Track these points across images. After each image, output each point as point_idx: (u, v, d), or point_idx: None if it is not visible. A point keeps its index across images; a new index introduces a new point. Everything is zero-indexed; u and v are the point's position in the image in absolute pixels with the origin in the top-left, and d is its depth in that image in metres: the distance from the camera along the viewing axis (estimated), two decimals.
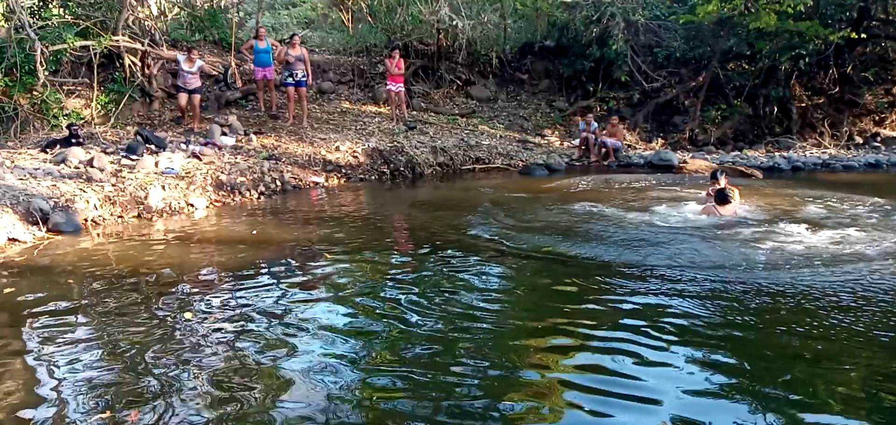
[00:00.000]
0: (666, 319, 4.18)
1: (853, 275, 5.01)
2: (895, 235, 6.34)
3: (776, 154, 14.01)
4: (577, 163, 13.28)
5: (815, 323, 4.06)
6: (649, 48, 16.38)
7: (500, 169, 12.48)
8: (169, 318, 4.33)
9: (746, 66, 16.46)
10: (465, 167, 12.45)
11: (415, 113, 14.81)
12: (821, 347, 3.73)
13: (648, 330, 3.98)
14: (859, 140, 15.33)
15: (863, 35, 14.48)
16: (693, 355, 3.64)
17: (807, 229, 6.62)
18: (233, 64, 13.50)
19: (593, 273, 5.32)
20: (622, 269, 5.35)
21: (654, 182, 10.83)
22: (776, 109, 15.68)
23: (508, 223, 7.39)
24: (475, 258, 5.89)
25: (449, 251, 6.17)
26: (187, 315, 4.38)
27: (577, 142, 14.25)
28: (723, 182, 7.92)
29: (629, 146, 14.64)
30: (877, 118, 16.07)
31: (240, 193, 9.18)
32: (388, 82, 13.83)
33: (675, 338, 3.88)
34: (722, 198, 7.38)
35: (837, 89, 15.80)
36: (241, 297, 4.75)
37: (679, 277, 5.07)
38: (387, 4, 16.42)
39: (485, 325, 4.18)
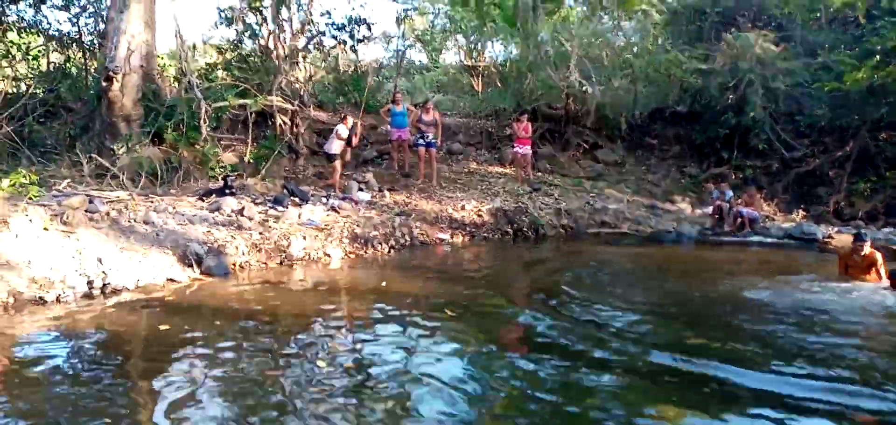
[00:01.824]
0: None
1: None
2: None
3: None
4: (710, 232, 12.79)
5: None
6: (790, 115, 15.61)
7: (626, 234, 12.28)
8: (301, 362, 4.70)
9: None
10: (589, 230, 12.38)
11: (540, 175, 14.97)
12: None
13: None
14: None
15: None
16: None
17: None
18: (359, 122, 14.34)
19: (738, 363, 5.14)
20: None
21: (806, 257, 10.14)
22: None
23: (637, 293, 7.28)
24: (596, 323, 5.88)
25: (567, 314, 6.20)
26: (320, 363, 4.73)
27: (709, 209, 13.75)
28: (867, 247, 7.36)
29: (767, 217, 13.92)
30: None
31: (372, 246, 9.68)
32: (515, 145, 14.14)
33: None
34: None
35: None
36: (369, 346, 5.05)
37: None
38: (517, 70, 16.87)
39: (601, 397, 4.18)
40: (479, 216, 11.82)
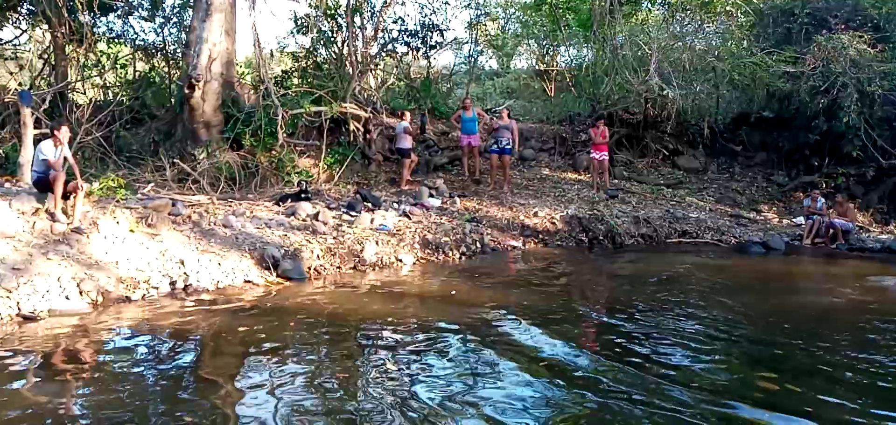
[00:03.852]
0: None
1: None
2: None
3: None
4: (799, 244, 12.06)
5: None
6: (887, 121, 14.58)
7: (709, 244, 11.74)
8: (371, 365, 4.62)
9: None
10: (669, 240, 11.90)
11: (616, 181, 14.54)
12: None
13: None
14: None
15: None
16: None
17: None
18: (427, 116, 14.44)
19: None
20: None
21: None
22: None
23: (722, 301, 6.89)
24: (670, 337, 5.56)
25: (642, 325, 5.90)
26: (390, 365, 4.64)
27: (800, 220, 12.99)
28: None
29: (861, 228, 13.03)
30: None
31: (443, 252, 9.59)
32: (591, 151, 13.78)
33: None
34: None
35: None
36: (438, 354, 4.93)
37: None
38: (592, 74, 16.47)
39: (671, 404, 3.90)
40: (553, 223, 11.55)
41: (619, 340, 5.40)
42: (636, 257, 10.46)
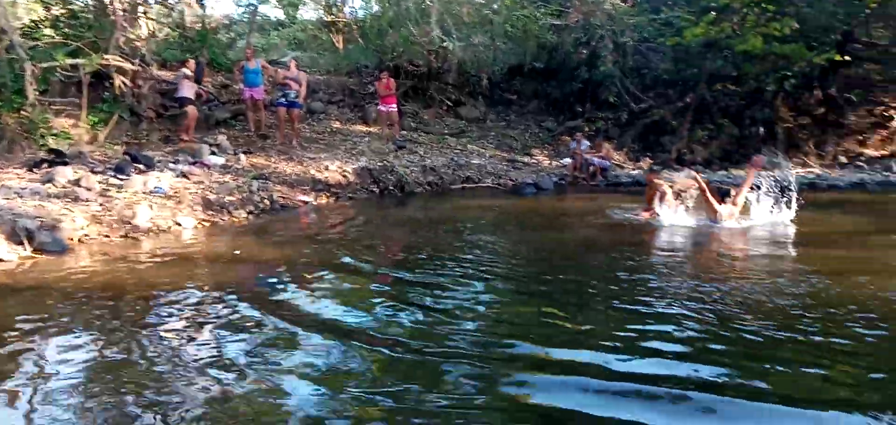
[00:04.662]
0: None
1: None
2: None
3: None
4: (566, 183, 13.37)
5: None
6: (637, 70, 16.55)
7: (489, 187, 12.53)
8: (148, 340, 4.30)
9: (733, 88, 16.64)
10: (454, 186, 12.50)
11: (405, 132, 14.88)
12: None
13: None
14: (844, 160, 15.50)
15: (846, 57, 14.71)
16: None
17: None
18: (204, 65, 13.58)
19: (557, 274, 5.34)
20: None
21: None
22: (762, 130, 15.84)
23: (499, 240, 7.41)
24: (461, 275, 5.90)
25: (433, 269, 6.19)
26: (168, 336, 4.36)
27: (567, 161, 14.35)
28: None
29: (617, 165, 14.75)
30: (860, 139, 16.25)
31: (228, 213, 9.16)
32: (378, 103, 13.92)
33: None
34: None
35: (822, 110, 16.00)
36: (222, 319, 4.74)
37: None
38: (378, 26, 16.54)
39: (469, 343, 4.17)
40: (344, 176, 11.56)
41: (410, 291, 5.55)
42: (424, 204, 10.87)
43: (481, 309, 5.01)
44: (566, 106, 17.10)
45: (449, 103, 16.80)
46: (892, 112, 16.21)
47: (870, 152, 15.90)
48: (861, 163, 15.13)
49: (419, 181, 12.13)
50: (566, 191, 12.59)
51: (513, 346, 4.01)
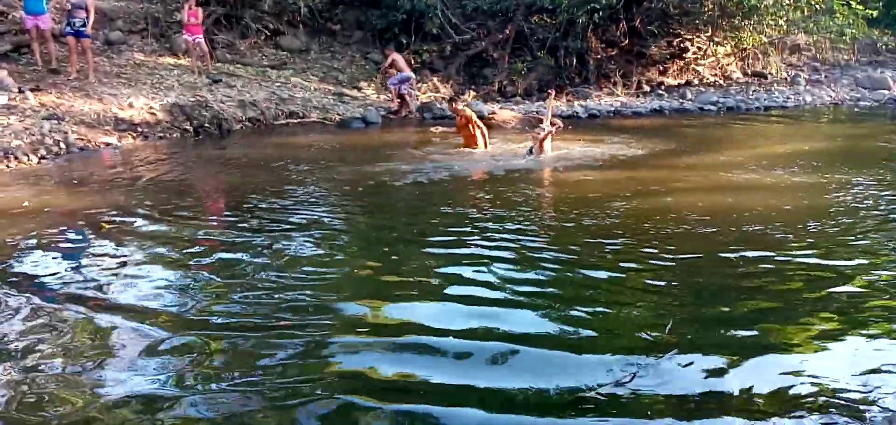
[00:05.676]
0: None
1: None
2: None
3: (575, 103, 15.03)
4: (393, 116, 13.27)
5: None
6: (459, 1, 16.66)
7: (316, 122, 12.10)
8: None
9: (548, 20, 17.33)
10: (278, 122, 11.92)
11: (219, 65, 13.85)
12: None
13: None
14: (647, 88, 16.90)
15: None
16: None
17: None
18: None
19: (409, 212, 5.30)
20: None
21: None
22: (575, 61, 16.73)
23: (332, 177, 7.17)
24: (292, 219, 5.63)
25: (259, 212, 5.85)
26: None
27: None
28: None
29: (443, 98, 14.87)
30: (661, 68, 17.78)
31: (15, 158, 8.03)
32: (184, 32, 12.79)
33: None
34: None
35: (628, 41, 17.18)
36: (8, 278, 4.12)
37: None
38: None
39: (306, 293, 3.99)
40: (152, 114, 10.56)
41: (240, 238, 5.16)
42: (245, 142, 10.24)
43: (309, 253, 4.80)
44: (391, 37, 16.83)
45: (267, 33, 15.85)
46: (687, 44, 17.86)
47: (669, 81, 17.47)
48: (661, 92, 16.59)
49: (238, 117, 11.39)
50: (391, 125, 12.50)
51: (331, 310, 3.70)
